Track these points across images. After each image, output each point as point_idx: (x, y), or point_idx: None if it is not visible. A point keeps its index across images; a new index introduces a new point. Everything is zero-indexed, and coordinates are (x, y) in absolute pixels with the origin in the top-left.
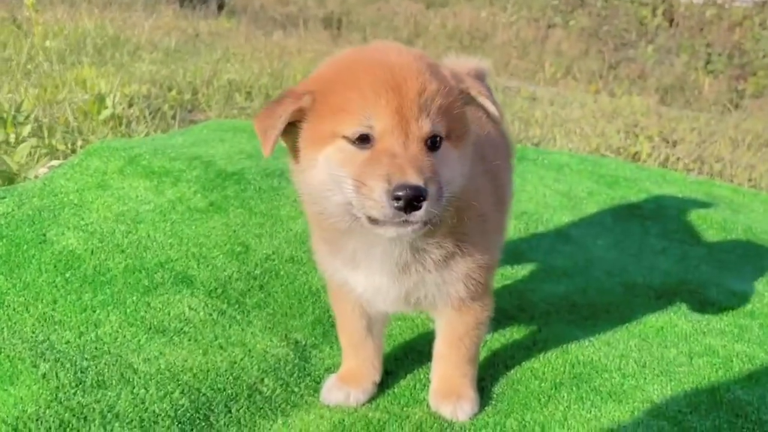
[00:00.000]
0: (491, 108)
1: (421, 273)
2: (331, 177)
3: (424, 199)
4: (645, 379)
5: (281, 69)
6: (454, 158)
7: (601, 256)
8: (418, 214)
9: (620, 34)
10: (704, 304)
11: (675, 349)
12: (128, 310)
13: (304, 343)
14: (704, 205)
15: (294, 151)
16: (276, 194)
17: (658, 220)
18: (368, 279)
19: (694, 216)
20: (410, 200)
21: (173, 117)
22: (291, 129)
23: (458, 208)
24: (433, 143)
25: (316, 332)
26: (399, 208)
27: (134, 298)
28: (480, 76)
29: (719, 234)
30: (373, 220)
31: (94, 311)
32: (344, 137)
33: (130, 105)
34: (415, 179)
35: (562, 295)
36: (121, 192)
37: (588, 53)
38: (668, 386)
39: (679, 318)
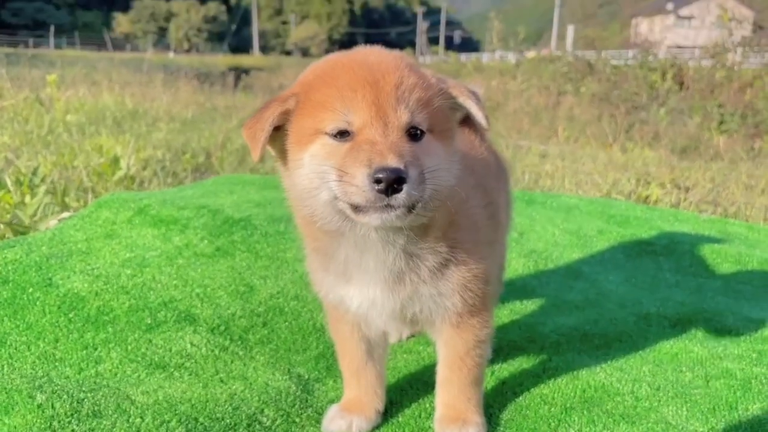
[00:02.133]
0: (474, 109)
1: (415, 283)
2: (317, 173)
3: (405, 181)
4: (659, 401)
5: None
6: (439, 151)
7: (612, 290)
8: (400, 197)
9: (631, 98)
10: (720, 331)
11: (690, 373)
12: (129, 347)
13: (307, 377)
14: (718, 240)
15: (282, 155)
16: (282, 238)
17: (671, 255)
18: (362, 292)
19: (708, 251)
20: (391, 182)
21: (186, 178)
22: (279, 135)
23: (449, 212)
24: (414, 134)
25: (320, 366)
26: (380, 191)
27: (136, 335)
28: None
29: (735, 267)
30: (356, 208)
31: (95, 349)
32: (326, 133)
33: (144, 168)
34: (394, 162)
35: (573, 326)
36: (129, 240)
37: (601, 118)
38: (684, 407)
39: (694, 345)
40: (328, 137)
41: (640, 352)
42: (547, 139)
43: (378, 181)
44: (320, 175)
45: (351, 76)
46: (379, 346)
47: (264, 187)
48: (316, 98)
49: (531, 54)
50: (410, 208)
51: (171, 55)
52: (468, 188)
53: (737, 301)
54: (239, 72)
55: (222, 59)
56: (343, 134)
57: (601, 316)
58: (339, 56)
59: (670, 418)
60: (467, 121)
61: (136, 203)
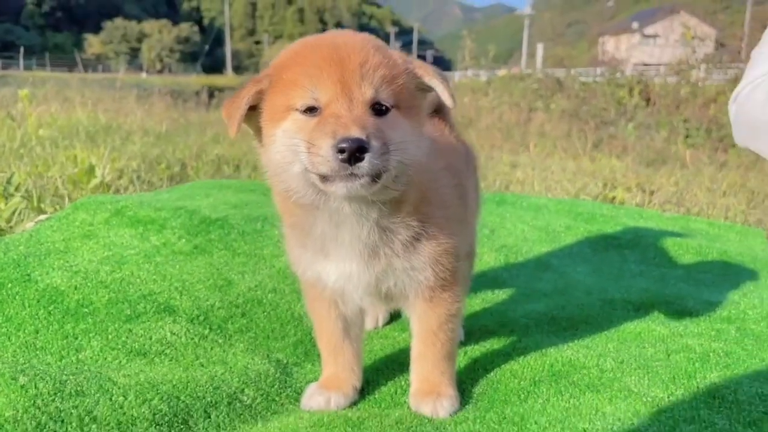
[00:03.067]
0: (439, 87)
1: (389, 256)
2: (288, 147)
3: (367, 150)
4: (623, 372)
5: None
6: (405, 126)
7: (580, 280)
8: (363, 166)
9: (600, 113)
10: (681, 313)
11: (653, 349)
12: (110, 337)
13: (285, 361)
14: (681, 235)
15: (258, 133)
16: (259, 236)
17: (636, 248)
18: (339, 267)
19: (671, 244)
20: (353, 151)
21: (161, 186)
22: (255, 114)
23: (420, 188)
24: (379, 110)
25: (298, 352)
26: (344, 160)
27: (116, 326)
28: None
29: (696, 258)
30: (324, 178)
31: (76, 338)
32: (296, 110)
33: (120, 177)
34: (356, 133)
35: (542, 311)
36: (107, 240)
37: (570, 133)
38: (646, 377)
39: (656, 325)
40: (298, 113)
41: (606, 332)
42: (518, 154)
43: (341, 151)
44: (291, 149)
45: (318, 56)
46: (355, 325)
47: (240, 190)
48: (287, 77)
49: (502, 72)
50: (374, 178)
51: (143, 75)
52: (438, 168)
53: (698, 287)
54: (213, 90)
55: (195, 79)
56: (311, 110)
57: (568, 302)
58: (309, 38)
59: (632, 386)
60: (438, 112)
61: (113, 205)
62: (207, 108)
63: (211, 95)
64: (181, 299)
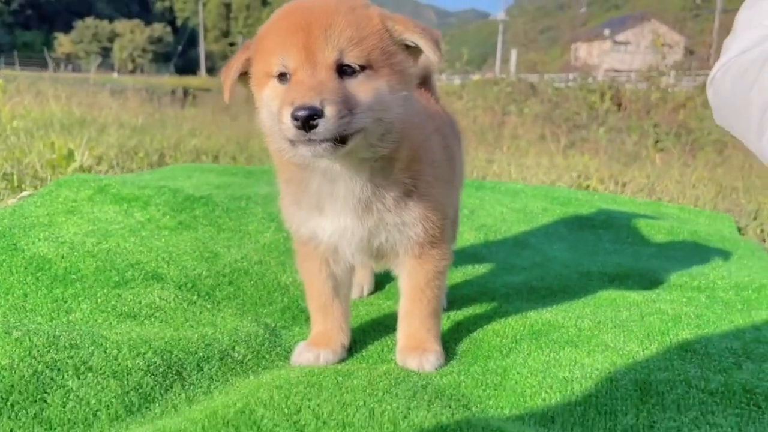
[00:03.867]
0: (421, 41)
1: (381, 212)
2: (269, 112)
3: (319, 117)
4: (600, 330)
5: (247, 140)
6: (381, 85)
7: (557, 255)
8: (318, 132)
9: (572, 117)
10: (654, 282)
11: (627, 312)
12: (99, 300)
13: (274, 325)
14: (653, 217)
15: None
16: (244, 213)
17: (610, 228)
18: (333, 222)
19: (644, 224)
20: (305, 119)
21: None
22: (248, 79)
23: (411, 147)
24: (349, 72)
25: (286, 317)
26: (298, 127)
27: (105, 291)
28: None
29: (667, 237)
30: (291, 142)
31: (65, 302)
32: (273, 76)
33: (99, 163)
34: (309, 100)
35: (522, 282)
36: (91, 215)
37: (543, 137)
38: (621, 335)
39: (631, 292)
40: (274, 80)
41: (583, 298)
42: (493, 155)
43: (296, 118)
44: (272, 115)
45: (289, 23)
46: (344, 285)
47: (222, 174)
48: (266, 45)
49: (476, 77)
50: (338, 141)
51: (115, 75)
52: (428, 129)
53: (669, 262)
54: (188, 89)
55: (168, 80)
56: (283, 76)
57: (546, 274)
58: (289, 5)
59: (609, 342)
60: (423, 83)
61: (96, 183)
62: (182, 105)
63: (185, 93)
64: (168, 268)
